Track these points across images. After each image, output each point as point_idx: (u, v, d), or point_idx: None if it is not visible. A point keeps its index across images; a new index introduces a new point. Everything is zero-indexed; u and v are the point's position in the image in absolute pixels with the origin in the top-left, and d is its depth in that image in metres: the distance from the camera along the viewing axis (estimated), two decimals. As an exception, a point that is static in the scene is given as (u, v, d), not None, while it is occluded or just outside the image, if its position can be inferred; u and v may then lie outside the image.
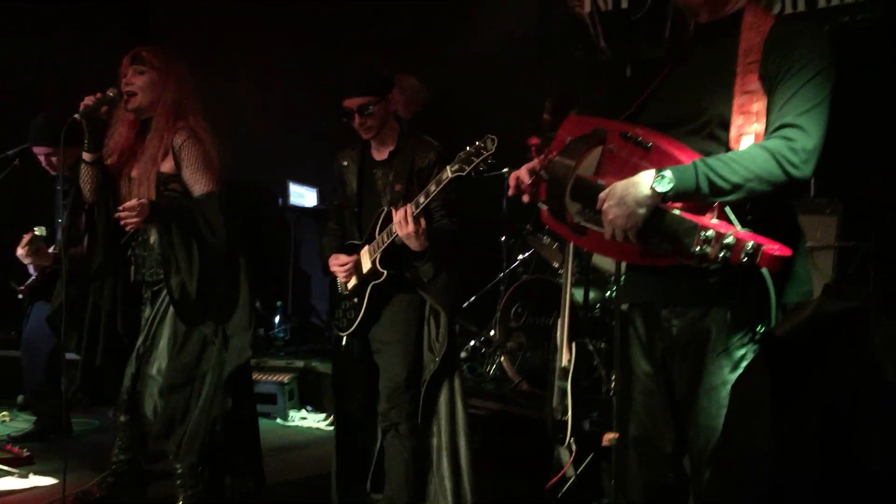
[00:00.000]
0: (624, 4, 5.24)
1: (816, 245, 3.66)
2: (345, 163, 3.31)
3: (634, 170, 1.82)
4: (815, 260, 3.65)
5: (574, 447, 3.33)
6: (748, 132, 1.84)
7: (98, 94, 2.98)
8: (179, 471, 3.14)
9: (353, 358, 3.29)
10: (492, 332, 4.83)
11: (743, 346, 1.88)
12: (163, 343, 3.12)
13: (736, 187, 1.75)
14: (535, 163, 2.16)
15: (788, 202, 1.97)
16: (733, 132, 1.85)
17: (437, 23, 5.86)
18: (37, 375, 4.52)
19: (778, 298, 1.78)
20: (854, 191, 3.94)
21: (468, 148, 2.84)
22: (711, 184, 1.74)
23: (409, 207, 2.92)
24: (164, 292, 3.10)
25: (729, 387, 1.88)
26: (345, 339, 3.28)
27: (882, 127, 4.15)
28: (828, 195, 3.80)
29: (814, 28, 1.94)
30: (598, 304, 4.39)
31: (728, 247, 1.60)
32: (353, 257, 3.20)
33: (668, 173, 1.74)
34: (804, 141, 1.78)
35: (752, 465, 1.63)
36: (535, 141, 2.29)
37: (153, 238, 3.15)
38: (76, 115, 2.93)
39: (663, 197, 1.74)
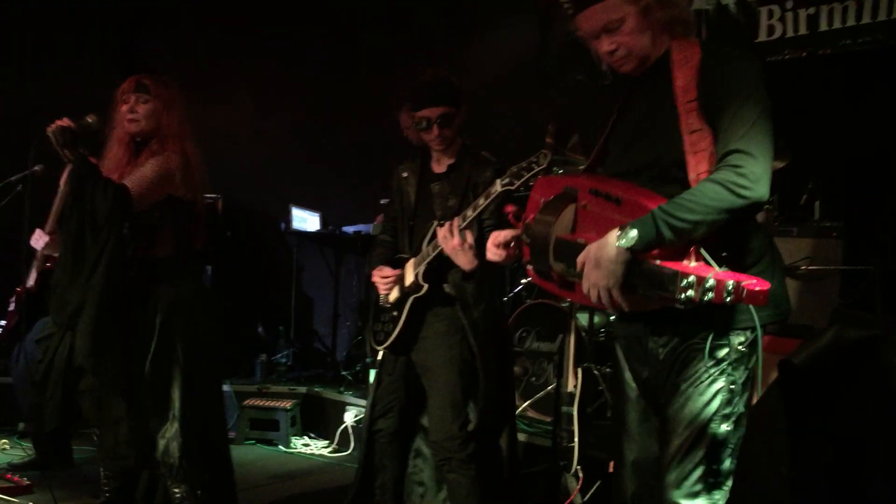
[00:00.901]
0: (625, 28, 5.25)
1: (822, 269, 3.64)
2: (404, 174, 3.27)
3: (610, 224, 1.87)
4: (820, 284, 3.63)
5: (581, 474, 3.30)
6: (703, 171, 1.90)
7: (72, 123, 2.96)
8: (178, 496, 3.11)
9: (390, 375, 3.24)
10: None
11: (721, 361, 1.94)
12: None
13: (697, 224, 1.80)
14: (511, 232, 2.27)
15: (758, 225, 2.03)
16: (690, 174, 1.91)
17: (438, 48, 5.89)
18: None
19: (759, 321, 1.86)
20: (859, 214, 3.93)
21: (522, 163, 2.80)
22: (672, 228, 1.78)
23: (456, 220, 2.89)
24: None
25: (705, 399, 1.93)
26: (381, 353, 3.24)
27: (886, 150, 4.15)
28: (833, 218, 3.79)
29: (738, 55, 2.01)
30: (603, 329, 4.37)
31: (710, 289, 1.65)
32: (397, 271, 3.17)
33: (631, 230, 1.79)
34: (749, 163, 1.83)
35: (768, 492, 1.61)
36: (511, 209, 2.34)
37: None
38: (48, 133, 2.93)
39: (632, 251, 1.79)
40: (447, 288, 3.07)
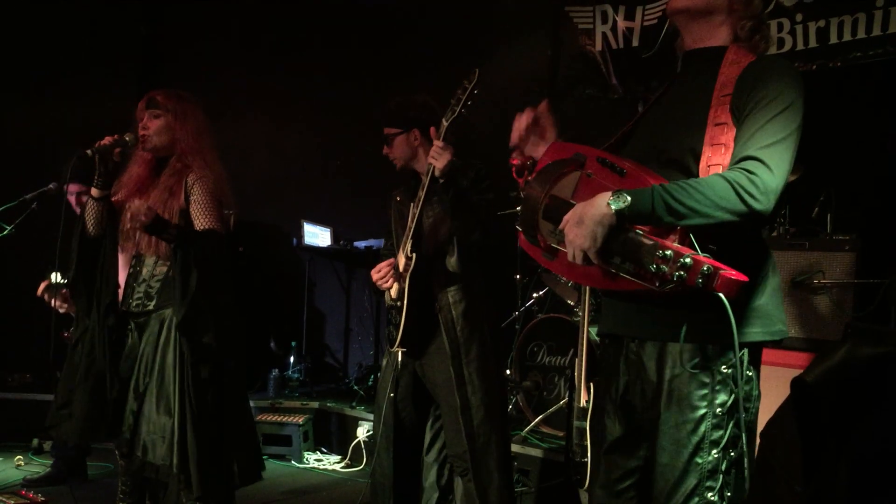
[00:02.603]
0: (635, 42, 5.28)
1: (834, 282, 3.63)
2: (398, 198, 3.36)
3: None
4: (833, 297, 3.62)
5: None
6: (716, 164, 1.85)
7: (115, 136, 3.05)
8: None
9: (403, 388, 3.25)
10: (507, 372, 4.80)
11: (705, 385, 1.88)
12: (167, 378, 3.07)
13: (692, 212, 1.75)
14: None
15: (761, 239, 1.99)
16: (702, 164, 1.87)
17: (452, 64, 5.91)
18: None
19: (745, 337, 1.85)
20: (873, 226, 3.91)
21: (456, 91, 2.89)
22: (667, 206, 1.75)
23: (438, 140, 2.94)
24: (151, 324, 3.10)
25: (690, 426, 1.88)
26: (400, 355, 3.23)
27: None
28: (845, 231, 3.78)
29: (786, 63, 1.95)
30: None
31: (685, 267, 1.62)
32: (390, 261, 3.21)
33: (624, 195, 1.76)
34: (765, 175, 1.77)
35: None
36: (515, 161, 2.31)
37: (146, 269, 3.16)
38: (87, 151, 2.99)
39: (620, 216, 1.76)
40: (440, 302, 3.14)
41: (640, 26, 5.24)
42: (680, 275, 1.63)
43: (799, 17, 4.52)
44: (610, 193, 1.78)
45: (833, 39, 4.42)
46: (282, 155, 6.71)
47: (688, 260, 1.62)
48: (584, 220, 1.79)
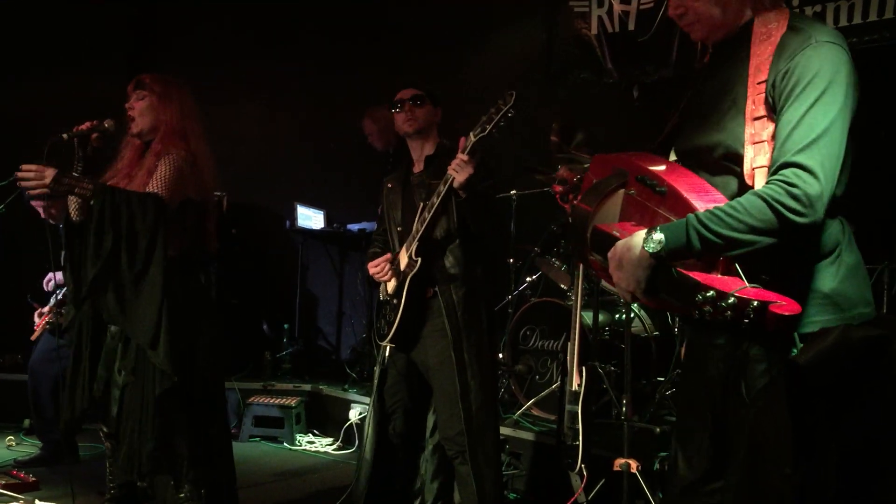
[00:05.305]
0: (631, 26, 5.25)
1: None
2: (389, 185, 3.36)
3: (653, 217, 1.76)
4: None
5: (585, 473, 3.29)
6: (760, 164, 1.71)
7: (94, 122, 3.02)
8: (183, 495, 3.11)
9: (397, 374, 3.26)
10: (500, 355, 4.80)
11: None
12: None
13: (731, 242, 1.62)
14: None
15: (836, 213, 1.81)
16: (746, 166, 1.73)
17: (445, 49, 5.88)
18: (43, 401, 4.50)
19: (818, 326, 1.67)
20: (868, 213, 3.91)
21: (490, 108, 2.87)
22: (703, 240, 1.62)
23: (462, 154, 2.91)
24: None
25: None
26: (388, 348, 3.24)
27: (893, 146, 4.13)
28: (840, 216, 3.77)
29: (823, 38, 1.72)
30: (608, 327, 4.37)
31: (730, 307, 1.49)
32: (387, 256, 3.22)
33: (658, 234, 1.66)
34: (807, 184, 1.61)
35: (770, 492, 1.60)
36: (558, 189, 2.27)
37: None
38: (63, 135, 2.95)
39: (657, 257, 1.66)
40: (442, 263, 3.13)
41: (636, 10, 5.21)
42: (728, 315, 1.49)
43: (795, 2, 4.50)
44: (643, 234, 1.68)
45: (828, 24, 4.40)
46: (275, 137, 6.68)
47: (731, 300, 1.49)
48: (623, 264, 1.71)
